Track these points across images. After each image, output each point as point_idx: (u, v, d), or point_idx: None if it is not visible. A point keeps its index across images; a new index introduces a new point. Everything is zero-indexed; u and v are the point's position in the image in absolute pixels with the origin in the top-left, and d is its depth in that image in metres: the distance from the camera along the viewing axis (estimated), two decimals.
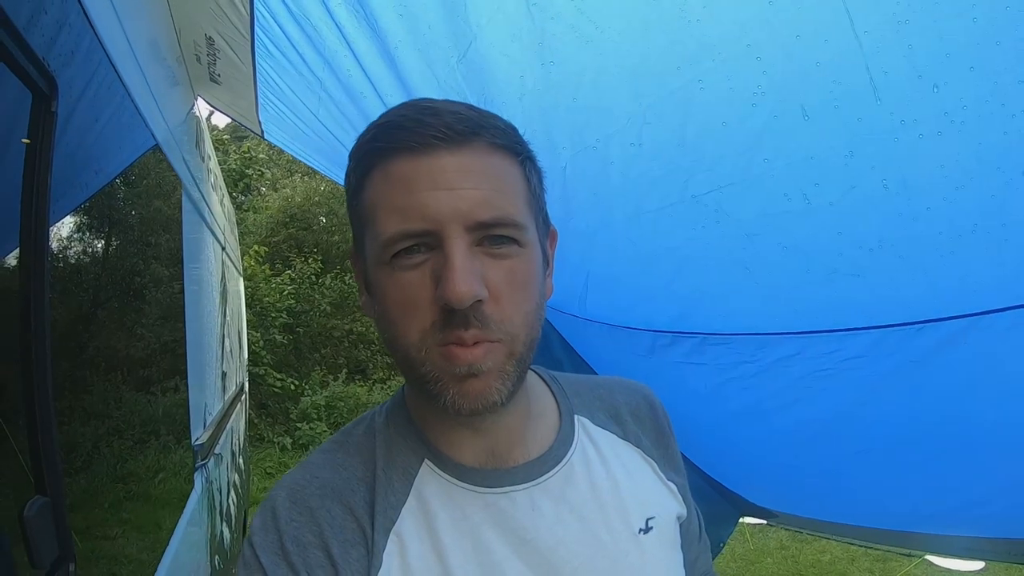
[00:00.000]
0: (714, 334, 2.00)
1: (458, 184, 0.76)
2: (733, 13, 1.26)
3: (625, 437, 1.00)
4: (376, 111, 1.76)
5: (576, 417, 0.98)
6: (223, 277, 4.63)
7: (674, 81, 1.40)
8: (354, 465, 0.88)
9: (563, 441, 0.93)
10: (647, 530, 0.92)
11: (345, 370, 12.13)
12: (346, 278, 12.99)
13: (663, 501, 0.97)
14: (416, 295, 0.76)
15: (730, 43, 1.31)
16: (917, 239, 1.51)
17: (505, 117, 0.84)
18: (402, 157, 0.77)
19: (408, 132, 0.77)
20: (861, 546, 6.00)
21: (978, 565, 5.15)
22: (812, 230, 1.54)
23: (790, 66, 1.28)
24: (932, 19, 1.18)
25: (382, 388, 11.91)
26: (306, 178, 14.97)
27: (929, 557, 5.05)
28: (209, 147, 4.23)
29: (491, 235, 0.77)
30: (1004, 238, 1.54)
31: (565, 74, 1.54)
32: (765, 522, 3.88)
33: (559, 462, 0.91)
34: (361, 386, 11.95)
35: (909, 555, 5.45)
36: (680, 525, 0.99)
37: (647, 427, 1.03)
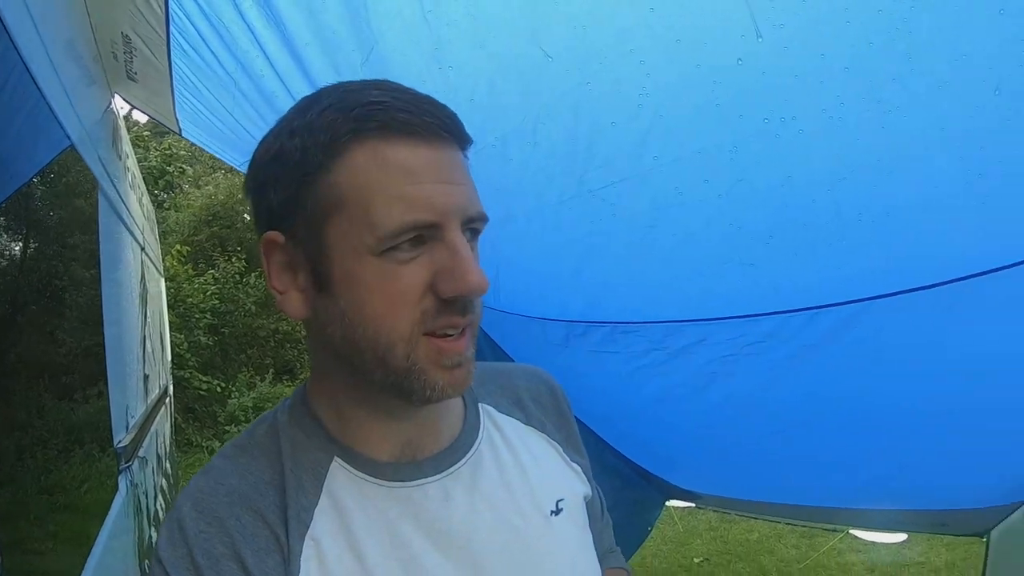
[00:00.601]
0: (623, 322, 2.08)
1: (455, 179, 0.77)
2: (617, 20, 1.33)
3: (529, 422, 1.01)
4: None
5: (480, 405, 0.98)
6: (143, 278, 4.54)
7: (563, 84, 1.48)
8: (260, 468, 0.84)
9: (470, 430, 0.94)
10: (558, 512, 0.93)
11: (272, 370, 11.92)
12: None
13: (570, 483, 0.99)
14: (408, 287, 0.75)
15: (615, 48, 1.38)
16: (806, 229, 1.61)
17: None
18: (400, 142, 0.75)
19: (409, 117, 0.75)
20: (787, 523, 6.11)
21: (901, 537, 5.36)
22: (705, 222, 1.62)
23: (672, 68, 1.36)
24: (806, 21, 1.27)
25: None
26: (229, 175, 14.66)
27: (853, 531, 5.21)
28: (127, 145, 4.15)
29: (471, 228, 0.80)
30: (888, 227, 1.65)
31: (462, 77, 1.60)
32: (693, 505, 3.98)
33: (468, 451, 0.91)
34: (289, 386, 11.73)
35: (834, 530, 5.64)
36: (586, 505, 1.01)
37: (549, 411, 1.04)
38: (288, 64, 1.88)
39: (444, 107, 0.79)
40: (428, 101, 0.78)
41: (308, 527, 0.81)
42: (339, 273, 0.77)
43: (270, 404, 10.79)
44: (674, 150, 1.53)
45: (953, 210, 1.63)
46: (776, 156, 1.46)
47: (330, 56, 1.77)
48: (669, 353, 2.11)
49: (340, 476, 0.84)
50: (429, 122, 0.76)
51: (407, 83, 1.54)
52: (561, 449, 1.02)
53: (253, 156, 0.83)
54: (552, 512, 0.93)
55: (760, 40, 1.30)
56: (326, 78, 1.83)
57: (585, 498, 1.01)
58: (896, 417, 2.29)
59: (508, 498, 0.90)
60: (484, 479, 0.90)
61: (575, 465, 1.02)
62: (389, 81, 0.80)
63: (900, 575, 5.69)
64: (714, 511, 6.25)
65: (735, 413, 2.37)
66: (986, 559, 2.83)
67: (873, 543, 5.70)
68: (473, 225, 0.80)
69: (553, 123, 1.57)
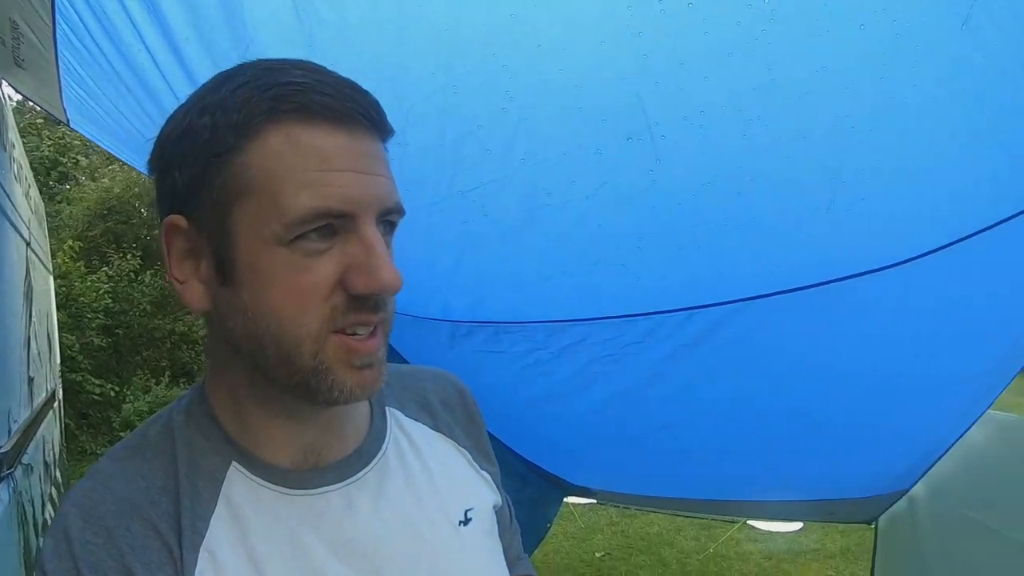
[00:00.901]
0: (505, 323, 2.10)
1: (373, 170, 0.73)
2: (479, 24, 1.34)
3: (437, 428, 0.96)
4: (172, 106, 1.76)
5: (387, 409, 0.93)
6: (28, 275, 4.35)
7: (429, 86, 1.48)
8: (153, 472, 0.77)
9: (376, 435, 0.89)
10: (467, 522, 0.89)
11: (168, 373, 11.43)
12: (166, 275, 12.30)
13: (479, 492, 0.95)
14: (318, 281, 0.71)
15: (478, 51, 1.40)
16: (674, 232, 1.66)
17: None
18: (317, 126, 0.71)
19: (330, 100, 0.71)
20: (687, 516, 6.27)
21: (797, 525, 5.53)
22: (574, 223, 1.65)
23: (534, 74, 1.38)
24: (664, 31, 1.31)
25: None
26: (125, 167, 14.06)
27: (750, 522, 5.37)
28: (14, 134, 3.95)
29: (387, 221, 0.76)
30: (754, 232, 1.72)
31: None
32: (594, 501, 4.05)
33: (374, 457, 0.86)
34: (185, 388, 11.33)
35: (732, 521, 5.78)
36: (496, 513, 0.97)
37: (458, 417, 1.00)
38: (169, 59, 1.85)
39: (367, 93, 0.75)
40: (350, 86, 0.74)
41: (203, 538, 0.75)
42: (244, 263, 0.72)
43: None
44: (540, 152, 1.56)
45: (816, 217, 1.71)
46: (638, 161, 1.50)
47: (209, 52, 1.74)
48: (551, 353, 2.14)
49: (238, 482, 0.78)
50: (350, 107, 0.72)
51: None
52: (470, 457, 0.97)
53: (160, 133, 0.78)
54: (461, 522, 0.89)
55: (628, 48, 1.34)
56: (206, 74, 1.80)
57: (495, 507, 0.97)
58: (778, 412, 2.39)
59: (416, 507, 0.86)
60: (390, 487, 0.85)
61: (484, 473, 0.98)
62: (312, 62, 0.75)
63: (796, 562, 5.87)
64: (615, 506, 6.35)
65: (620, 411, 2.42)
66: (875, 544, 3.02)
67: (770, 532, 5.86)
68: (389, 218, 0.76)
69: (421, 125, 1.58)
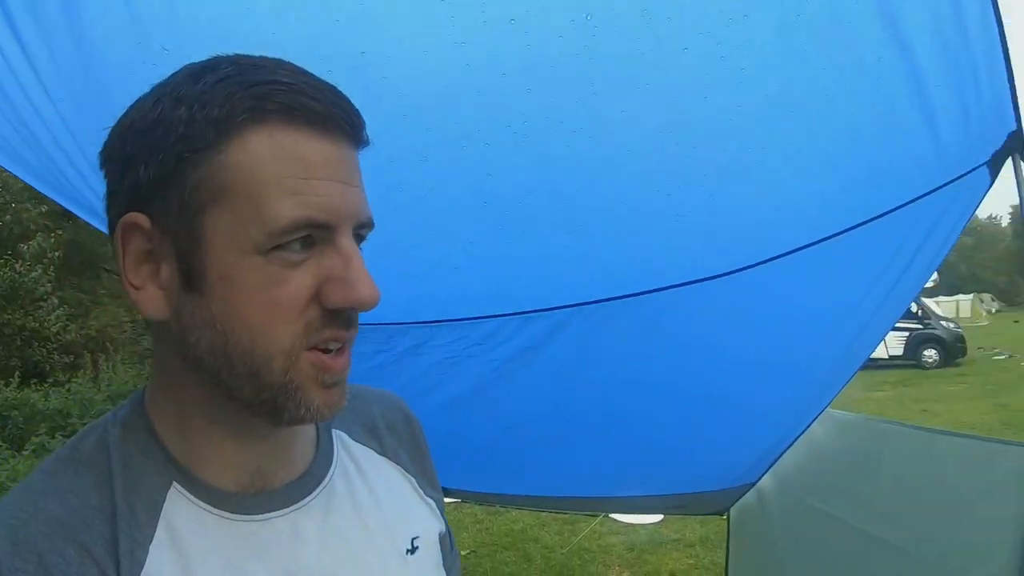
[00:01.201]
0: None
1: (352, 180, 0.71)
2: (305, 29, 1.33)
3: (383, 453, 0.93)
4: (15, 91, 1.67)
5: (333, 431, 0.90)
6: None
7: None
8: (86, 490, 0.71)
9: (323, 459, 0.85)
10: (413, 550, 0.87)
11: (19, 373, 10.63)
12: (16, 265, 11.43)
13: (425, 520, 0.93)
14: (295, 294, 0.67)
15: (303, 56, 1.35)
16: (504, 238, 1.69)
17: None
18: (300, 130, 0.68)
19: (315, 104, 0.68)
20: (551, 512, 6.37)
21: (657, 517, 5.69)
22: (404, 227, 1.66)
23: (358, 79, 1.36)
24: (488, 41, 1.31)
25: (60, 392, 10.43)
26: None
27: (612, 515, 5.50)
28: None
29: (357, 235, 0.73)
30: (582, 240, 1.76)
31: (166, 73, 1.55)
32: (460, 500, 4.06)
33: (320, 482, 0.83)
34: (37, 390, 10.46)
35: (594, 515, 5.88)
36: (439, 542, 0.95)
37: (405, 442, 0.97)
38: (10, 42, 1.75)
39: (349, 100, 0.72)
40: (332, 91, 0.71)
41: (143, 566, 0.69)
42: (215, 271, 0.67)
43: (16, 412, 9.75)
44: (369, 157, 1.54)
45: (646, 225, 1.76)
46: (464, 167, 1.52)
47: (46, 43, 1.66)
48: (395, 355, 2.15)
49: (179, 505, 0.73)
50: (335, 113, 0.69)
51: (113, 74, 1.45)
52: (416, 483, 0.95)
53: (121, 120, 0.71)
54: (408, 551, 0.87)
55: (450, 57, 1.35)
56: (44, 63, 1.72)
57: (440, 535, 0.95)
58: (625, 412, 2.46)
59: (362, 534, 0.83)
60: (337, 514, 0.82)
61: (430, 500, 0.96)
62: (294, 64, 0.72)
63: (657, 552, 6.07)
64: (479, 504, 6.41)
65: (467, 413, 2.44)
66: (728, 533, 3.20)
67: (631, 525, 6.07)
68: (362, 231, 0.74)
69: None
